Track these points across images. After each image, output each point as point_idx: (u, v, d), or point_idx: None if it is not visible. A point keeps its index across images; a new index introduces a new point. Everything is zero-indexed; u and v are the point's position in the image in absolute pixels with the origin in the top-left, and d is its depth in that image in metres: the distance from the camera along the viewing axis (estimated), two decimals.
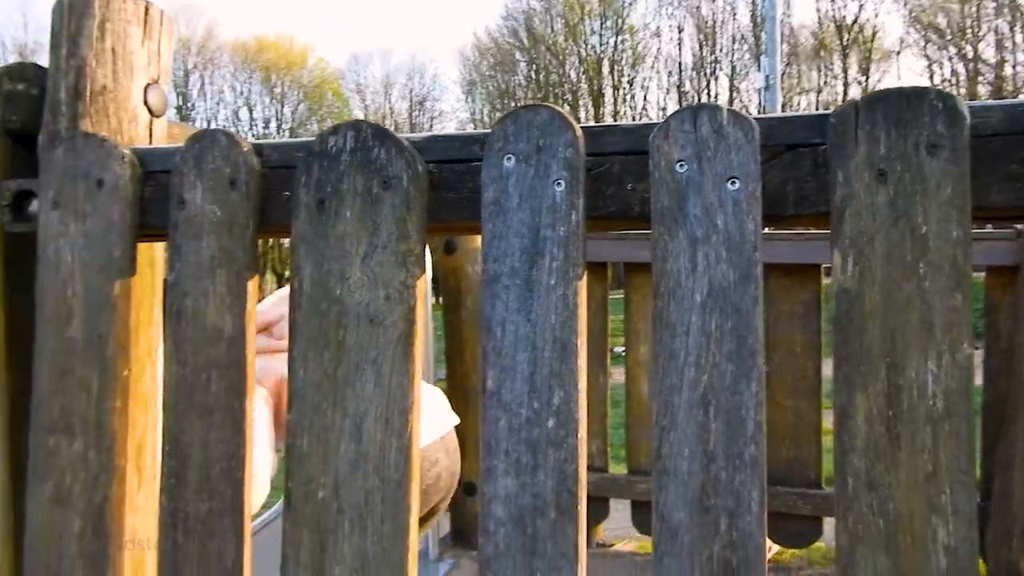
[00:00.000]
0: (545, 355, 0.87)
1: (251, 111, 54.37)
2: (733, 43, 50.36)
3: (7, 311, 1.17)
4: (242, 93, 54.45)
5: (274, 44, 54.12)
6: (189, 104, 51.76)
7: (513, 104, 53.21)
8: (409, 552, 0.90)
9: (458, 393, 2.52)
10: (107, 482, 1.01)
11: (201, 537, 0.97)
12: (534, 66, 52.87)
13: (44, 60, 1.23)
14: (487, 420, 0.89)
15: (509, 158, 0.91)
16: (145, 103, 1.20)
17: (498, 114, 60.84)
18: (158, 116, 1.23)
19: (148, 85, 1.21)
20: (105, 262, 1.04)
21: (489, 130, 0.95)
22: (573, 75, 52.02)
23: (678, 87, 50.63)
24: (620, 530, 3.09)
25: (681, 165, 0.86)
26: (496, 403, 0.88)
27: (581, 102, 50.99)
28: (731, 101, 48.18)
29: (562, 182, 0.89)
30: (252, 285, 1.00)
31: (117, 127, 1.16)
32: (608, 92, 50.85)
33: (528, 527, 0.86)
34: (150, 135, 1.21)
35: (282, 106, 54.41)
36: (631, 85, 51.26)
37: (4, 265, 1.17)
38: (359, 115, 60.70)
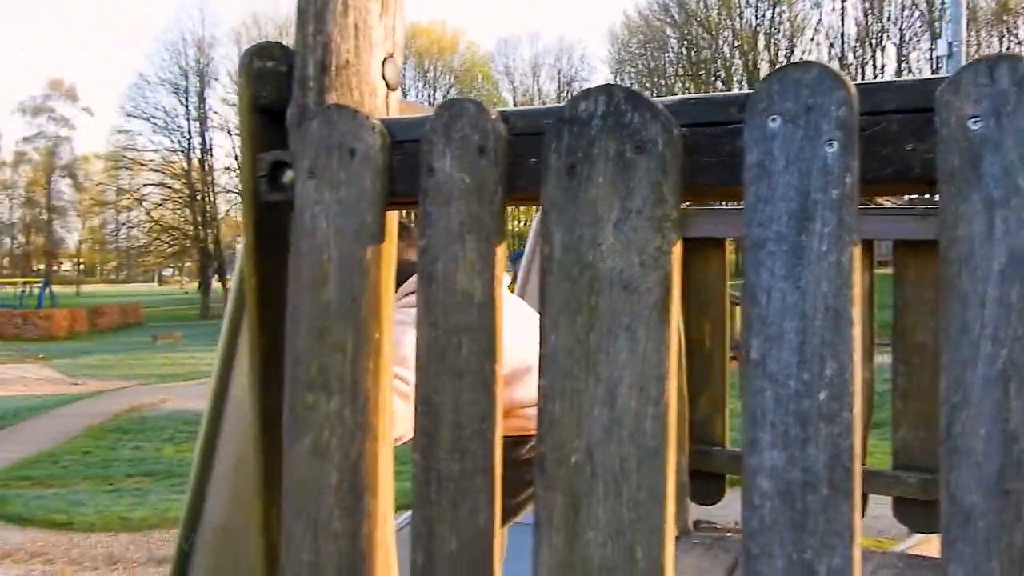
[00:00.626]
0: (816, 324, 0.83)
1: (404, 95, 56.14)
2: (903, 11, 47.16)
3: (259, 277, 1.25)
4: None
5: (427, 29, 55.62)
6: None
7: (663, 83, 52.29)
8: (667, 522, 0.89)
9: None
10: (362, 439, 1.06)
11: (453, 496, 1.00)
12: (685, 42, 51.59)
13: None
14: (751, 391, 0.86)
15: (774, 119, 0.87)
16: (383, 76, 1.24)
17: (647, 93, 60.19)
18: (393, 89, 1.27)
19: (385, 59, 1.25)
20: (358, 228, 1.09)
21: (748, 91, 0.91)
22: (726, 50, 50.37)
23: (840, 59, 47.99)
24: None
25: (975, 121, 0.80)
26: (761, 373, 0.86)
27: (735, 79, 49.29)
28: (899, 73, 45.19)
29: (834, 143, 0.84)
30: (500, 251, 1.01)
31: (359, 100, 1.21)
32: (764, 68, 48.88)
33: (797, 502, 0.83)
34: (387, 107, 1.26)
35: (434, 90, 55.86)
36: (788, 59, 49.03)
37: (256, 234, 1.24)
38: (508, 98, 61.44)
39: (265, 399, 1.23)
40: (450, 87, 55.90)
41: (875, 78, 42.92)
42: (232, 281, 1.45)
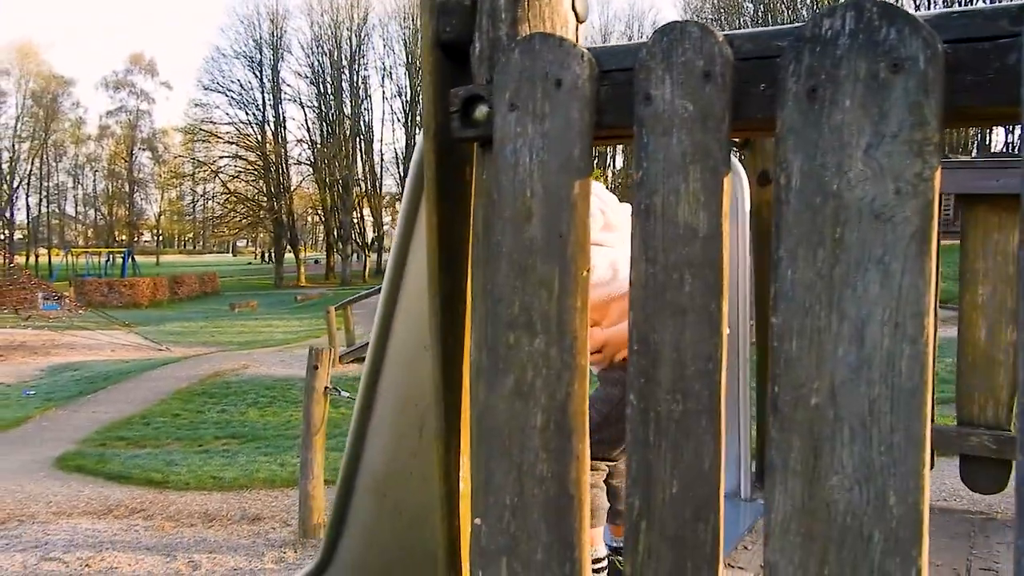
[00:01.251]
0: None
1: None
2: None
3: (440, 217, 1.22)
4: None
5: None
6: (417, 61, 54.14)
7: None
8: (924, 467, 0.83)
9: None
10: (569, 379, 1.02)
11: (674, 438, 0.95)
12: (762, 7, 50.12)
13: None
14: None
15: None
16: (572, 8, 1.19)
17: None
18: (582, 22, 1.22)
19: None
20: (564, 162, 1.05)
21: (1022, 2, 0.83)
22: (806, 15, 48.79)
23: None
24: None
25: None
26: None
27: None
28: None
29: None
30: (727, 182, 0.96)
31: (551, 32, 1.16)
32: None
33: None
34: (576, 40, 1.20)
35: None
36: None
37: (439, 173, 1.21)
38: None
39: (446, 343, 1.21)
40: None
41: None
42: (395, 233, 1.42)
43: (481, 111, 1.14)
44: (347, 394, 5.89)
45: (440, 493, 1.22)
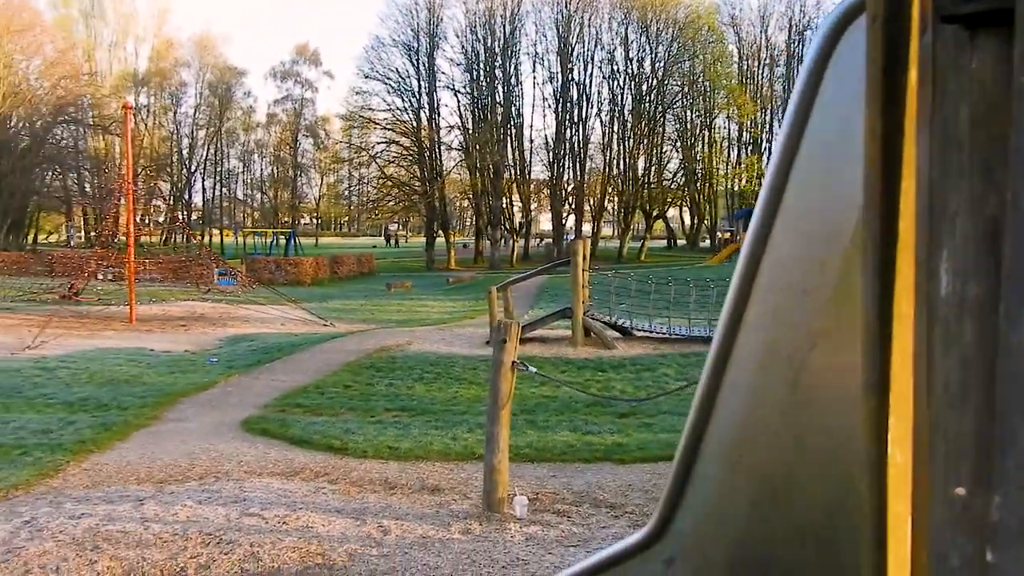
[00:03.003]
0: None
1: (627, 50, 55.36)
2: None
3: (884, 128, 1.01)
4: (618, 33, 55.61)
5: None
6: (568, 46, 54.06)
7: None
8: None
9: None
10: None
11: None
12: None
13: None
14: None
15: None
16: None
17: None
18: None
19: None
20: None
21: None
22: None
23: None
24: None
25: None
26: None
27: None
28: None
29: None
30: None
31: None
32: None
33: None
34: None
35: (656, 44, 54.52)
36: None
37: (888, 69, 1.00)
38: (733, 50, 58.80)
39: (884, 275, 1.00)
40: (672, 40, 54.31)
41: None
42: (773, 160, 1.21)
43: None
44: (535, 369, 5.81)
45: (869, 458, 1.01)
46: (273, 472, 7.00)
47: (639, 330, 14.40)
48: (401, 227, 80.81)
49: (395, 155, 54.24)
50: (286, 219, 69.24)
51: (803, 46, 57.48)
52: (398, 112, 53.31)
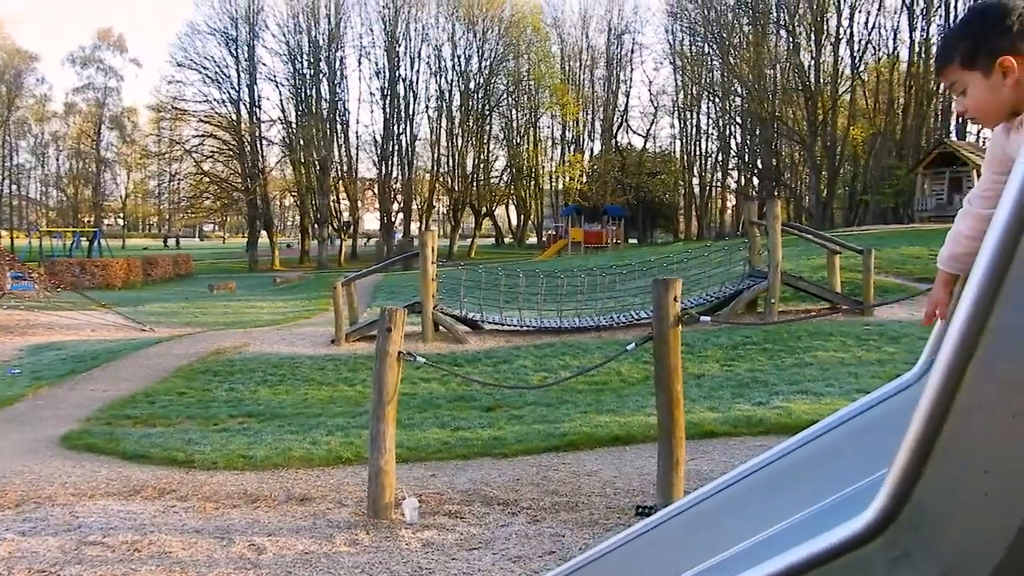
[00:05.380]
0: None
1: (454, 47, 55.18)
2: None
3: None
4: (444, 29, 55.34)
5: None
6: (395, 41, 53.21)
7: (723, 34, 50.48)
8: None
9: None
10: None
11: None
12: None
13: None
14: None
15: None
16: None
17: (699, 43, 57.80)
18: None
19: None
20: None
21: None
22: None
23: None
24: None
25: None
26: None
27: (799, 30, 47.56)
28: None
29: None
30: None
31: None
32: (832, 20, 47.07)
33: None
34: None
35: (483, 42, 54.75)
36: (853, 11, 47.11)
37: None
38: (556, 51, 60.20)
39: None
40: (499, 39, 54.74)
41: None
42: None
43: None
44: (424, 359, 5.33)
45: None
46: (109, 492, 6.08)
47: (490, 323, 14.15)
48: (218, 227, 76.69)
49: (213, 150, 51.20)
50: (88, 219, 63.58)
51: (621, 48, 59.84)
52: (215, 104, 50.36)
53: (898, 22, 48.26)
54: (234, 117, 49.72)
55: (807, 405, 7.51)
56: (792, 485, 2.12)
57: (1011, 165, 1.77)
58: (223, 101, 50.05)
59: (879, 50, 48.56)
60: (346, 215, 56.20)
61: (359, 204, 56.96)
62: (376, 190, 55.93)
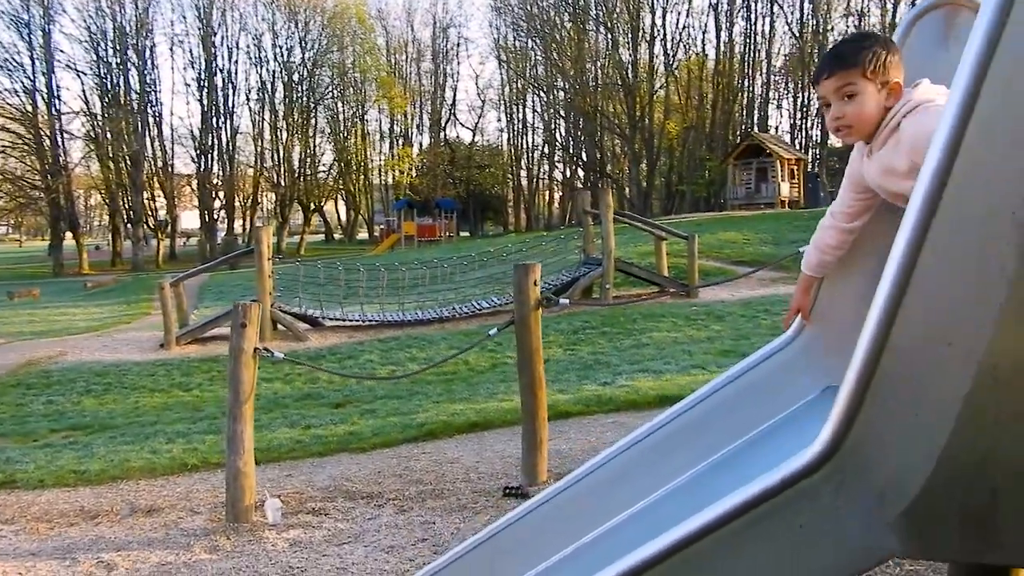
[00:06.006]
0: None
1: (276, 37, 53.20)
2: None
3: None
4: (264, 19, 53.24)
5: None
6: (211, 30, 50.62)
7: (546, 30, 51.70)
8: None
9: None
10: None
11: None
12: None
13: None
14: None
15: None
16: None
17: (522, 39, 58.69)
18: None
19: None
20: None
21: None
22: None
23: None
24: None
25: None
26: None
27: (619, 27, 49.62)
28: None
29: None
30: None
31: None
32: (647, 17, 49.45)
33: None
34: None
35: (307, 32, 53.15)
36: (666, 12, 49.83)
37: None
38: (381, 43, 59.47)
39: None
40: (323, 29, 53.39)
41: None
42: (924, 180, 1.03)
43: None
44: (282, 355, 5.15)
45: None
46: None
47: (330, 319, 13.86)
48: (12, 230, 70.13)
49: (5, 145, 46.63)
50: None
51: (447, 42, 60.03)
52: (6, 94, 45.84)
53: (706, 23, 51.54)
54: (29, 108, 45.51)
55: (651, 382, 7.90)
56: (673, 452, 2.26)
57: (867, 186, 2.00)
58: (15, 91, 45.68)
59: (690, 48, 51.68)
60: (163, 213, 53.01)
61: (176, 201, 53.85)
62: (195, 186, 53.08)
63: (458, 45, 61.05)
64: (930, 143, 1.76)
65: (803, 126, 51.40)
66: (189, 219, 65.26)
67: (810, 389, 2.21)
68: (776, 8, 50.53)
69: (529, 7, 53.45)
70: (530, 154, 61.65)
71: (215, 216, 53.24)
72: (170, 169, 51.77)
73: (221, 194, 53.38)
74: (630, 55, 49.81)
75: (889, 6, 46.52)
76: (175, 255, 51.50)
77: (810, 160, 44.30)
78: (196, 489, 5.89)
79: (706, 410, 2.26)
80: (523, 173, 61.72)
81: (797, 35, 49.89)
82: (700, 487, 2.17)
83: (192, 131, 51.69)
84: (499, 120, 66.64)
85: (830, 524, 1.10)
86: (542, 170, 62.18)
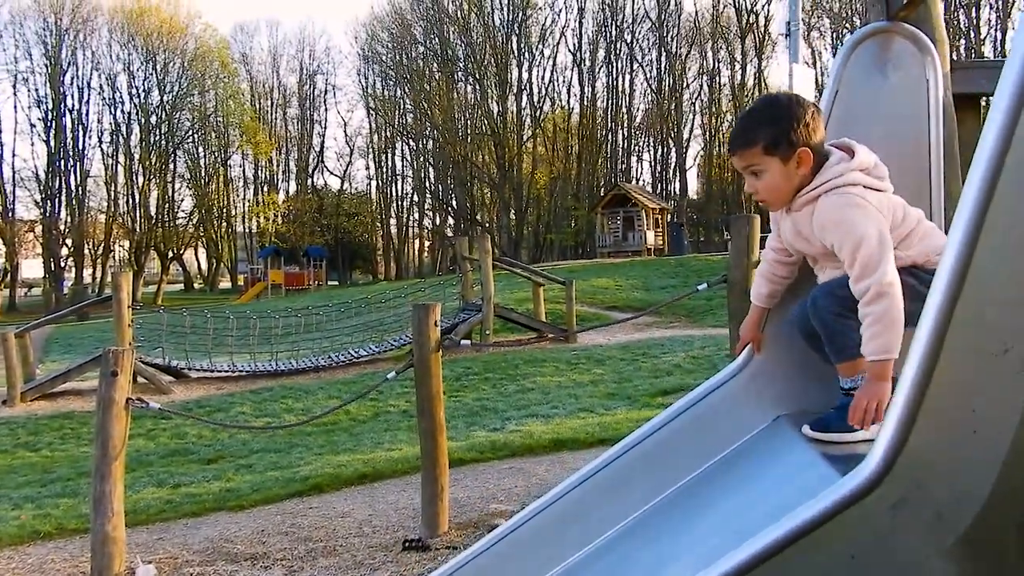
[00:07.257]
0: None
1: (132, 78, 50.87)
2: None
3: None
4: (119, 58, 50.89)
5: (156, 8, 50.87)
6: (60, 68, 47.91)
7: (416, 79, 51.98)
8: None
9: None
10: None
11: None
12: (436, 39, 51.91)
13: None
14: None
15: None
16: None
17: (391, 87, 58.66)
18: None
19: None
20: None
21: None
22: (478, 49, 51.16)
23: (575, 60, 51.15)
24: None
25: None
26: None
27: (487, 79, 50.54)
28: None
29: None
30: None
31: None
32: (514, 71, 50.71)
33: None
34: None
35: (165, 75, 51.17)
36: (532, 60, 51.31)
37: None
38: (245, 87, 58.00)
39: None
40: (183, 71, 51.54)
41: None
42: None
43: None
44: (158, 405, 4.70)
45: None
46: None
47: (197, 370, 13.05)
48: None
49: None
50: None
51: (314, 89, 59.28)
52: None
53: (571, 78, 53.34)
54: None
55: (543, 426, 7.80)
56: (625, 487, 2.15)
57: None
58: None
59: (555, 102, 53.29)
60: (1, 261, 49.10)
61: (17, 249, 50.06)
62: (39, 232, 49.56)
63: (325, 92, 60.30)
64: (837, 231, 1.77)
65: (663, 177, 53.82)
66: (32, 268, 60.78)
67: (760, 420, 2.16)
68: (636, 66, 53.04)
69: (398, 56, 53.73)
70: (399, 202, 61.39)
71: (62, 264, 49.82)
72: (10, 214, 48.22)
73: (69, 241, 50.09)
74: (498, 107, 50.81)
75: (738, 68, 49.80)
76: (15, 306, 47.67)
77: (671, 210, 46.30)
78: (51, 559, 5.27)
79: (656, 443, 2.16)
80: (392, 221, 61.31)
81: (655, 91, 52.47)
82: (656, 524, 2.06)
83: (37, 173, 48.48)
84: (367, 168, 66.02)
85: (885, 554, 0.99)
86: (411, 218, 62.00)
